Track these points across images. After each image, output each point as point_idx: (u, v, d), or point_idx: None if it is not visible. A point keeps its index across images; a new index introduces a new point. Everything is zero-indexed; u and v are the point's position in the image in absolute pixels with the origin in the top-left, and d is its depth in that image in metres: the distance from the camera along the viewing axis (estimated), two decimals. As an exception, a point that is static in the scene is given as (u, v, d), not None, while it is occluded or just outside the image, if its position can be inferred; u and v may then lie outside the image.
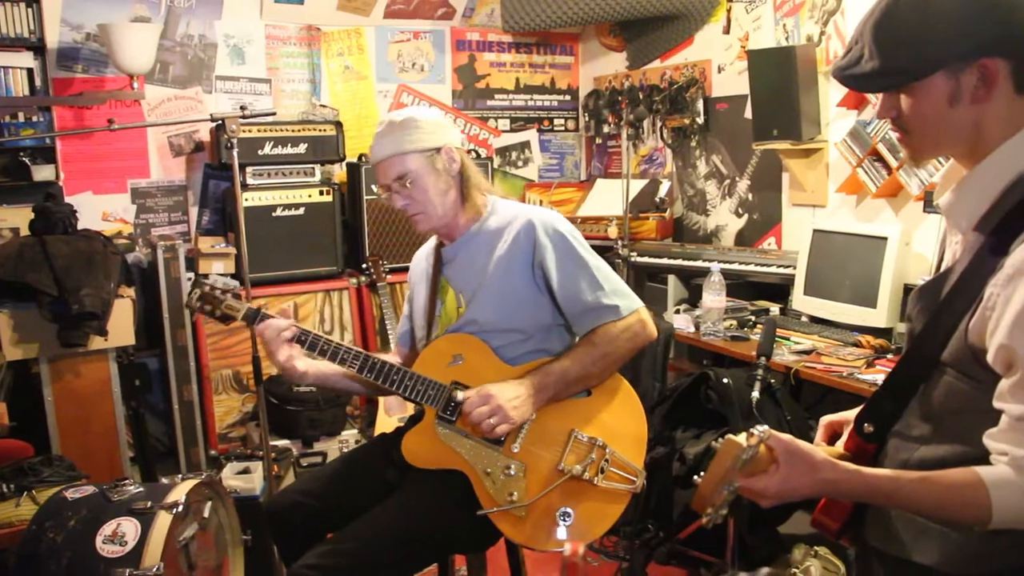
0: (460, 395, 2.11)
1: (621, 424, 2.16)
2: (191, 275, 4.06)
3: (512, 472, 2.08)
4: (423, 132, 2.15)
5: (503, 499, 2.07)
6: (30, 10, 3.91)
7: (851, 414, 1.50)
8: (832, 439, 1.56)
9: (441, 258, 2.32)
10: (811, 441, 1.60)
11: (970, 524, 1.23)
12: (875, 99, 3.42)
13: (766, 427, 1.26)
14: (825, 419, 1.58)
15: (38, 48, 3.98)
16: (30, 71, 3.96)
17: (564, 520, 2.08)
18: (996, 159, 1.27)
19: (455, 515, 2.09)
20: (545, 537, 2.09)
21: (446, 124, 2.24)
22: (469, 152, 4.89)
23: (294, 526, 2.23)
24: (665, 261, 4.20)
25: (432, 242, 2.41)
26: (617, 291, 2.17)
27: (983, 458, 1.24)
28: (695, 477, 1.31)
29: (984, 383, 1.25)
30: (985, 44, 1.22)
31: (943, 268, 1.39)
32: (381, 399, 3.99)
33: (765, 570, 0.95)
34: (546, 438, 2.12)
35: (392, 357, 2.48)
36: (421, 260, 2.44)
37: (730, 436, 1.28)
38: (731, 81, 4.32)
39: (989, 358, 1.22)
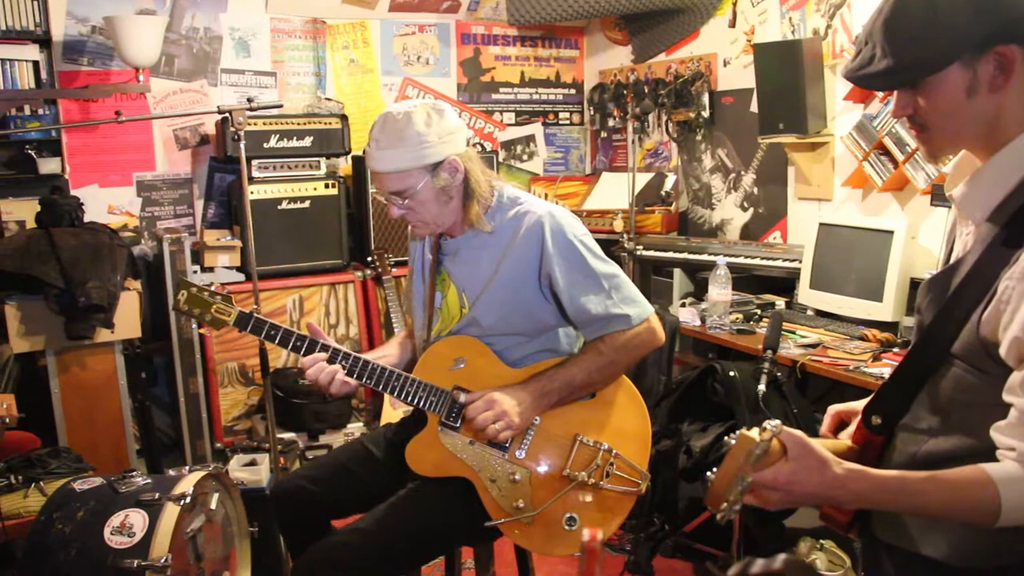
0: (463, 397, 2.08)
1: (625, 426, 2.14)
2: (196, 268, 4.07)
3: (517, 479, 2.07)
4: (426, 147, 2.00)
5: (509, 506, 2.06)
6: (36, 3, 3.92)
7: (859, 405, 1.49)
8: (838, 428, 1.55)
9: (440, 248, 2.24)
10: (818, 432, 1.60)
11: (978, 522, 1.22)
12: (879, 95, 3.43)
13: (778, 421, 1.25)
14: (833, 408, 1.57)
15: (44, 41, 3.98)
16: (36, 64, 3.96)
17: (570, 525, 2.08)
18: (1012, 150, 1.26)
19: (464, 511, 2.09)
20: (553, 543, 2.08)
21: (452, 129, 2.05)
22: (475, 145, 4.91)
23: (298, 510, 2.23)
24: (671, 255, 4.19)
25: None
26: (627, 299, 2.10)
27: (992, 452, 1.24)
28: (708, 474, 1.31)
29: (994, 376, 1.24)
30: (999, 31, 1.21)
31: (952, 260, 1.38)
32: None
33: (782, 556, 0.94)
34: (551, 444, 2.10)
35: (405, 340, 2.45)
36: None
37: (743, 432, 1.27)
38: (737, 75, 4.31)
39: (1002, 351, 1.21)
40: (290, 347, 2.13)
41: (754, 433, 1.25)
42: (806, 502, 1.29)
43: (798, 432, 1.27)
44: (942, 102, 1.27)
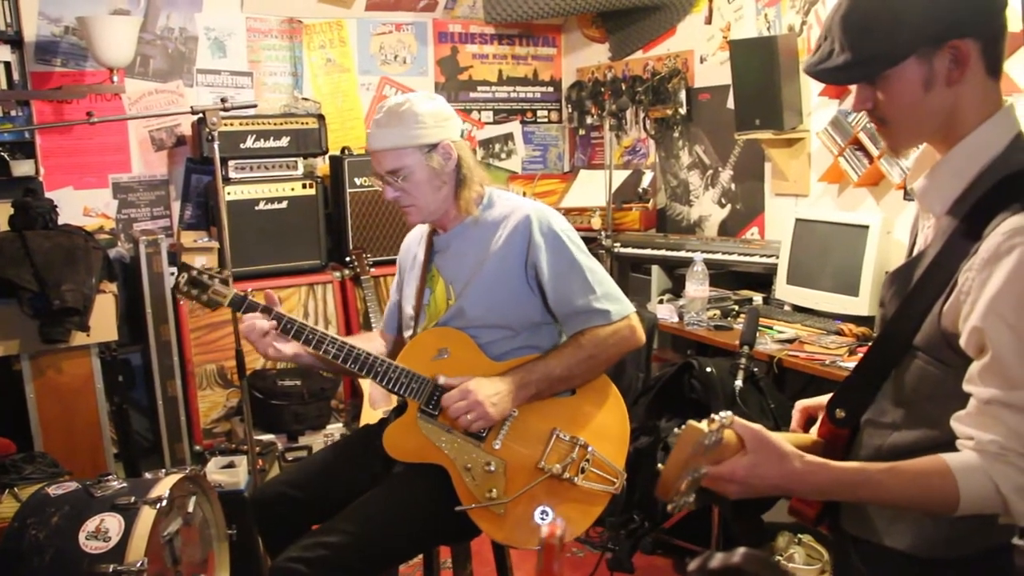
0: (443, 379, 2.10)
1: (604, 424, 2.15)
2: (173, 270, 4.04)
3: (492, 468, 2.08)
4: (423, 127, 2.10)
5: (482, 495, 2.07)
6: (7, 3, 3.87)
7: (826, 399, 1.50)
8: (808, 423, 1.56)
9: (433, 246, 2.30)
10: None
11: (938, 511, 1.23)
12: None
13: (728, 413, 1.26)
14: (800, 404, 1.59)
15: (16, 41, 3.93)
16: (7, 64, 3.91)
17: (543, 518, 2.08)
18: (970, 143, 1.28)
19: (440, 508, 2.09)
20: (525, 535, 2.08)
21: (448, 116, 2.17)
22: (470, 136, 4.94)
23: (279, 517, 2.22)
24: (648, 251, 4.20)
25: (424, 228, 2.37)
26: (609, 295, 2.15)
27: (955, 443, 1.25)
28: (659, 465, 1.31)
29: (955, 368, 1.26)
30: (954, 25, 1.23)
31: (915, 252, 1.39)
32: (366, 392, 3.99)
33: (742, 549, 0.95)
34: (528, 436, 2.11)
35: (376, 339, 2.47)
36: (412, 245, 2.42)
37: (691, 422, 1.27)
38: (713, 71, 4.32)
39: (962, 342, 1.23)
40: (280, 329, 2.16)
41: (703, 424, 1.26)
42: (766, 494, 1.29)
43: (755, 425, 1.28)
44: (900, 96, 1.28)
